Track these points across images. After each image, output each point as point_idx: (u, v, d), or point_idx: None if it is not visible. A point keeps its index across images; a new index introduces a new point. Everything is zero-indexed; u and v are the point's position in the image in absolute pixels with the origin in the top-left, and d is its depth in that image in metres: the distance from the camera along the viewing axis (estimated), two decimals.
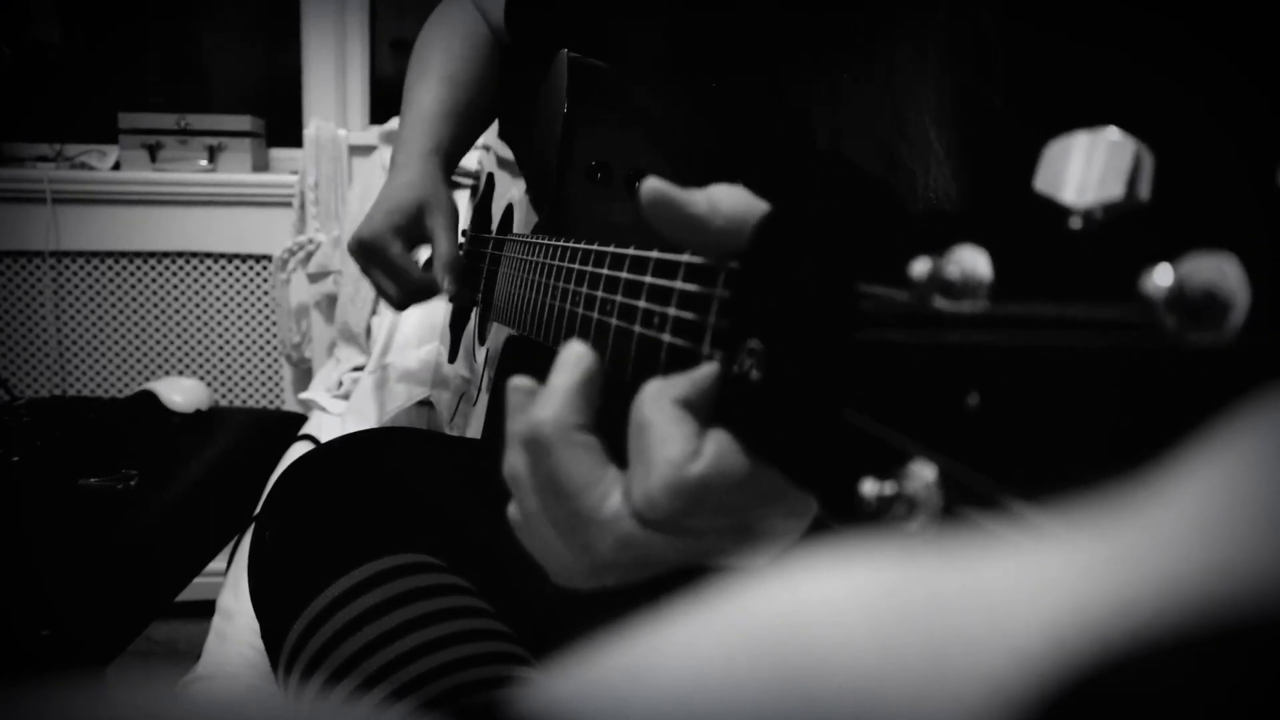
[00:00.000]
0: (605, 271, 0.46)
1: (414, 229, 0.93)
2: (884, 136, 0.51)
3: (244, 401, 2.07)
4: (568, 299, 0.53)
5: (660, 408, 0.29)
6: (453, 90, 0.96)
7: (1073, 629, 0.12)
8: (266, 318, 2.04)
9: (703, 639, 0.16)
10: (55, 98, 2.06)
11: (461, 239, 1.17)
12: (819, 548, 0.16)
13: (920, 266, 0.21)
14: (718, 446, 0.28)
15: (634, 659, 0.16)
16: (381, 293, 0.96)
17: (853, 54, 0.54)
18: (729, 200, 0.32)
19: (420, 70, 0.99)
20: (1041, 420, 0.18)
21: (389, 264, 0.93)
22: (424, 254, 1.00)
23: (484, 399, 0.96)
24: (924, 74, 0.50)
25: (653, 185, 0.33)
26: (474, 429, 1.08)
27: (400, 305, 0.97)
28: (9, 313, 1.98)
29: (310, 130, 1.91)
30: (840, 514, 0.22)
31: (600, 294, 0.46)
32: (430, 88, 0.96)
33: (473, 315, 1.11)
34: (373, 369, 1.45)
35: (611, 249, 0.46)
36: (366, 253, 0.93)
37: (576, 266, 0.52)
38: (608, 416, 0.34)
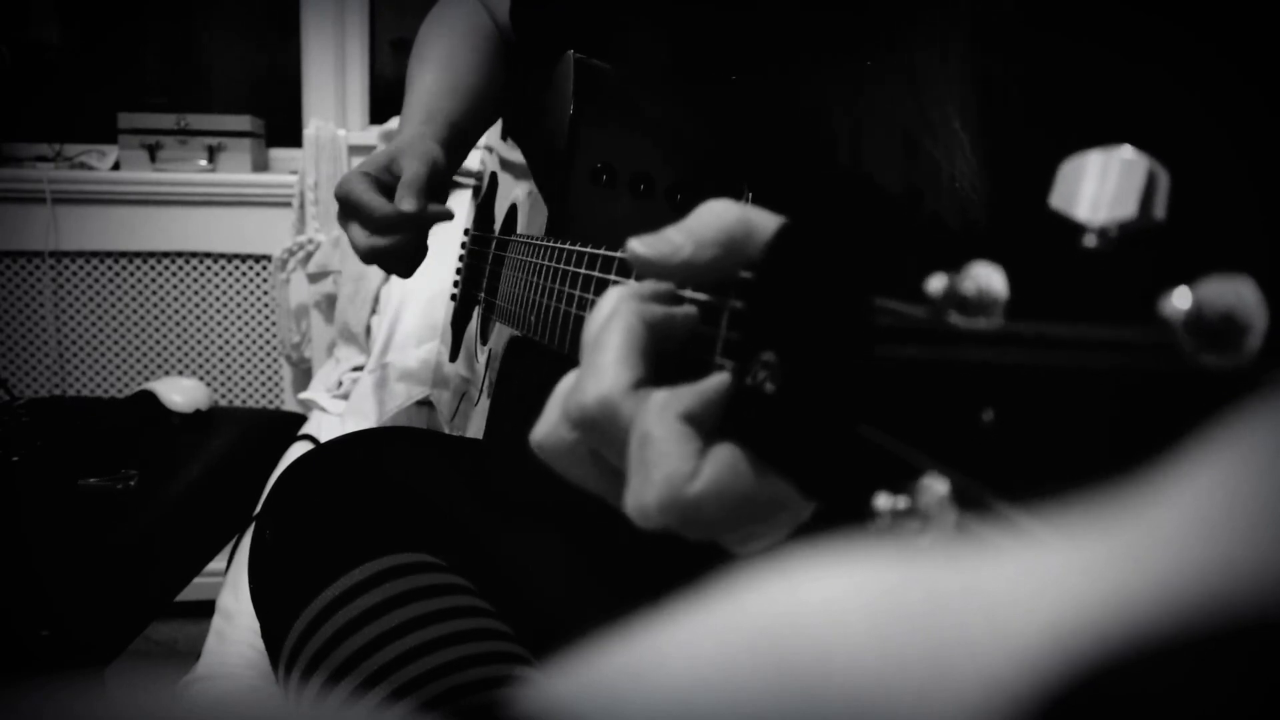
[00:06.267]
0: (612, 277, 0.46)
1: (386, 176, 0.86)
2: (907, 126, 0.51)
3: (244, 401, 2.07)
4: (573, 302, 0.53)
5: (663, 421, 0.29)
6: (452, 73, 0.94)
7: (1073, 629, 0.12)
8: (266, 318, 2.04)
9: (703, 639, 0.16)
10: (54, 98, 2.06)
11: (464, 238, 1.17)
12: (819, 548, 0.16)
13: (936, 283, 0.21)
14: (717, 468, 0.29)
15: (634, 659, 0.16)
16: (355, 245, 0.88)
17: (873, 44, 0.54)
18: (714, 224, 0.32)
19: (421, 59, 0.97)
20: (1056, 438, 0.18)
21: (356, 204, 0.85)
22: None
23: (485, 400, 0.96)
24: (946, 64, 0.50)
25: (631, 251, 0.33)
26: (474, 429, 1.08)
27: (366, 256, 0.87)
28: (9, 313, 1.98)
29: (310, 130, 1.91)
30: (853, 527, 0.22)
31: None
32: (430, 73, 0.94)
33: (474, 315, 1.11)
34: (372, 368, 1.45)
35: (619, 254, 0.46)
36: (339, 202, 0.87)
37: (583, 271, 0.52)
38: None
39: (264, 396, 2.08)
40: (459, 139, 0.92)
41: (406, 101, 0.95)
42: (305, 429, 1.38)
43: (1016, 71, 0.47)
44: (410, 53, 1.02)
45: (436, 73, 0.94)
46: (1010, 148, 0.47)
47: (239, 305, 2.03)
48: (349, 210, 0.87)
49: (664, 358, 0.33)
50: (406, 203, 0.82)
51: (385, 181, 0.87)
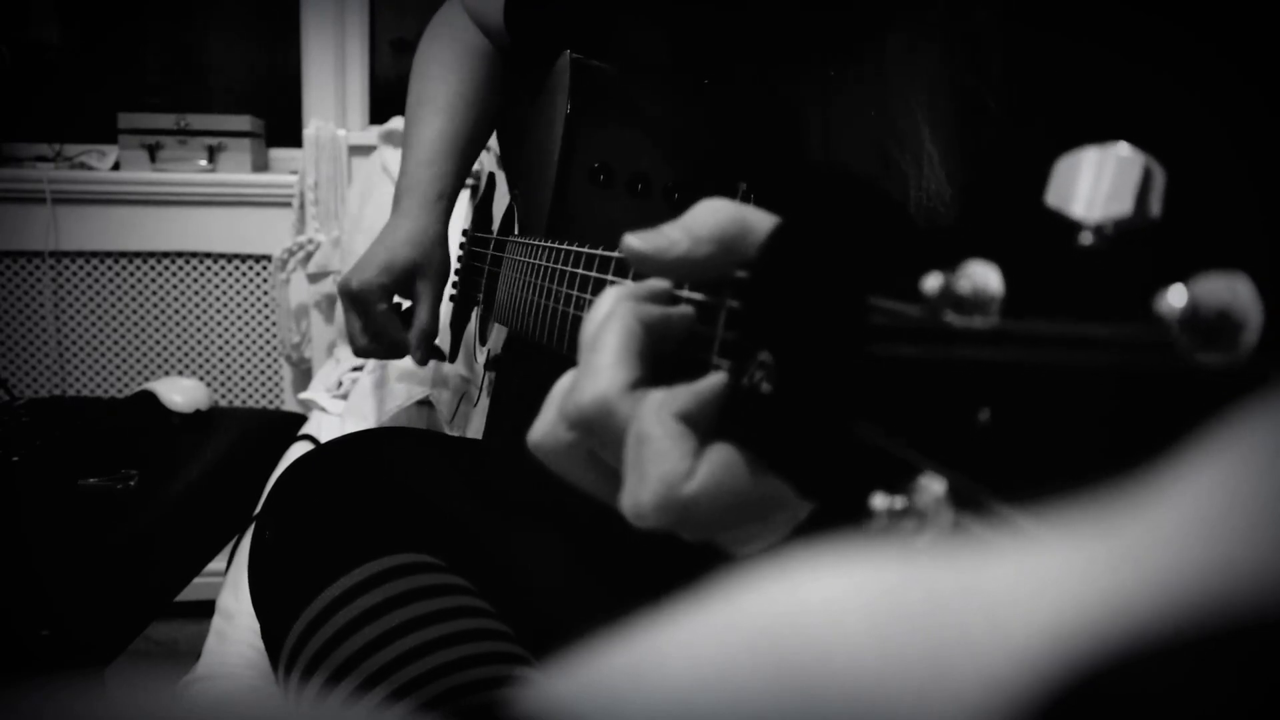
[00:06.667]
0: (610, 277, 0.46)
1: (403, 289, 0.96)
2: (875, 136, 0.51)
3: (244, 401, 2.07)
4: (570, 303, 0.53)
5: (660, 420, 0.29)
6: (454, 122, 0.97)
7: (1072, 629, 0.12)
8: (266, 318, 2.04)
9: (703, 639, 0.16)
10: (54, 98, 2.05)
11: (462, 238, 1.17)
12: (819, 548, 0.16)
13: (932, 281, 0.21)
14: (713, 467, 0.29)
15: (634, 659, 0.16)
16: (351, 336, 0.97)
17: (844, 51, 0.54)
18: (710, 221, 0.32)
19: (420, 100, 0.98)
20: (1052, 437, 0.18)
21: (370, 319, 0.95)
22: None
23: (484, 400, 0.96)
24: (917, 73, 0.50)
25: (627, 245, 0.33)
26: (474, 429, 1.08)
27: (361, 354, 0.98)
28: (9, 313, 1.98)
29: (310, 130, 1.91)
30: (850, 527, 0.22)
31: None
32: (432, 122, 0.97)
33: (473, 316, 1.11)
34: (372, 368, 1.45)
35: (615, 254, 0.46)
36: (352, 301, 0.94)
37: (580, 271, 0.52)
38: None
39: (264, 396, 2.07)
40: (455, 199, 0.99)
41: (410, 153, 0.98)
42: (305, 429, 1.38)
43: (990, 77, 0.46)
44: (410, 69, 1.02)
45: (438, 125, 0.97)
46: (979, 156, 0.47)
47: (239, 305, 2.03)
48: (362, 314, 0.95)
49: (661, 358, 0.33)
50: (419, 356, 0.96)
51: (403, 293, 0.97)
